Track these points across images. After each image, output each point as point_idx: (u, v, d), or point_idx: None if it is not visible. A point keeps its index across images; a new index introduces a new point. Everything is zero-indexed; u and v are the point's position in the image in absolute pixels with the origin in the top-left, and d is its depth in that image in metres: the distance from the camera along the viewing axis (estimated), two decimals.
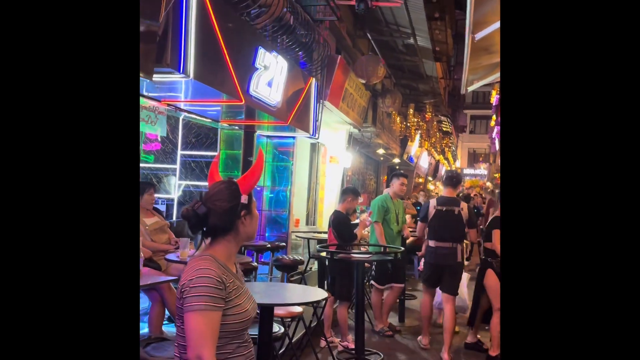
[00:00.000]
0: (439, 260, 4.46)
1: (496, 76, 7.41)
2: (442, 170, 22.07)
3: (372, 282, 5.20)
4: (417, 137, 14.21)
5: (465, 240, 4.75)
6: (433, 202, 4.59)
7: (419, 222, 4.70)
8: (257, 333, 2.48)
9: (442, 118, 14.32)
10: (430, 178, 21.48)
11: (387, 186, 8.10)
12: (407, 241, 5.34)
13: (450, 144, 24.31)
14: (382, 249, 4.84)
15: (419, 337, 4.86)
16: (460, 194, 9.49)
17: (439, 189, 22.64)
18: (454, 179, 4.66)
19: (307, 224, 7.93)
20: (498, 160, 26.79)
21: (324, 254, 4.16)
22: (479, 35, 5.01)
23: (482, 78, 7.50)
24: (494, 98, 30.20)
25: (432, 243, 4.50)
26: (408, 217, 6.35)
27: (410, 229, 5.80)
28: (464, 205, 4.53)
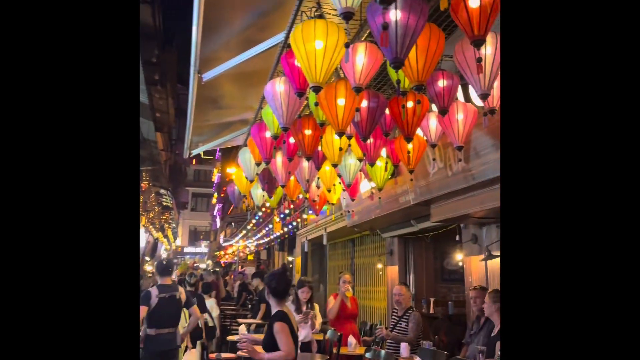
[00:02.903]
0: (163, 346, 4.54)
1: (224, 140, 6.59)
2: (162, 249, 20.11)
3: None
4: None
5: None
6: (155, 291, 4.62)
7: (141, 307, 4.58)
8: None
9: (162, 191, 12.86)
10: (147, 258, 19.14)
11: None
12: None
13: (170, 220, 22.69)
14: None
15: None
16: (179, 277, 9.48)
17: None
18: (169, 269, 5.01)
19: None
20: (219, 238, 26.47)
21: None
22: (208, 76, 4.01)
23: (209, 141, 6.53)
24: (215, 176, 30.70)
25: (152, 332, 4.49)
26: None
27: None
28: (181, 289, 4.90)
